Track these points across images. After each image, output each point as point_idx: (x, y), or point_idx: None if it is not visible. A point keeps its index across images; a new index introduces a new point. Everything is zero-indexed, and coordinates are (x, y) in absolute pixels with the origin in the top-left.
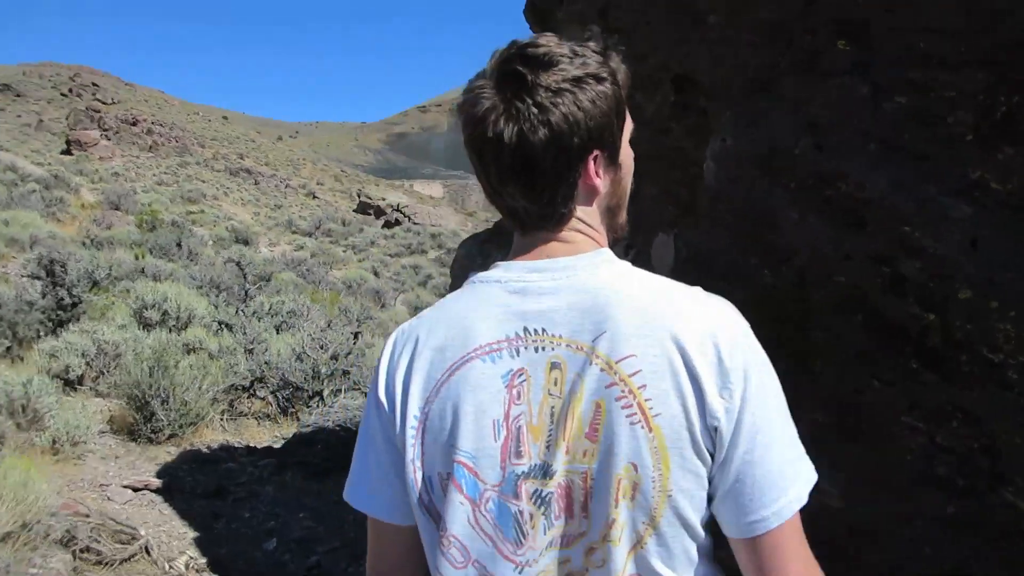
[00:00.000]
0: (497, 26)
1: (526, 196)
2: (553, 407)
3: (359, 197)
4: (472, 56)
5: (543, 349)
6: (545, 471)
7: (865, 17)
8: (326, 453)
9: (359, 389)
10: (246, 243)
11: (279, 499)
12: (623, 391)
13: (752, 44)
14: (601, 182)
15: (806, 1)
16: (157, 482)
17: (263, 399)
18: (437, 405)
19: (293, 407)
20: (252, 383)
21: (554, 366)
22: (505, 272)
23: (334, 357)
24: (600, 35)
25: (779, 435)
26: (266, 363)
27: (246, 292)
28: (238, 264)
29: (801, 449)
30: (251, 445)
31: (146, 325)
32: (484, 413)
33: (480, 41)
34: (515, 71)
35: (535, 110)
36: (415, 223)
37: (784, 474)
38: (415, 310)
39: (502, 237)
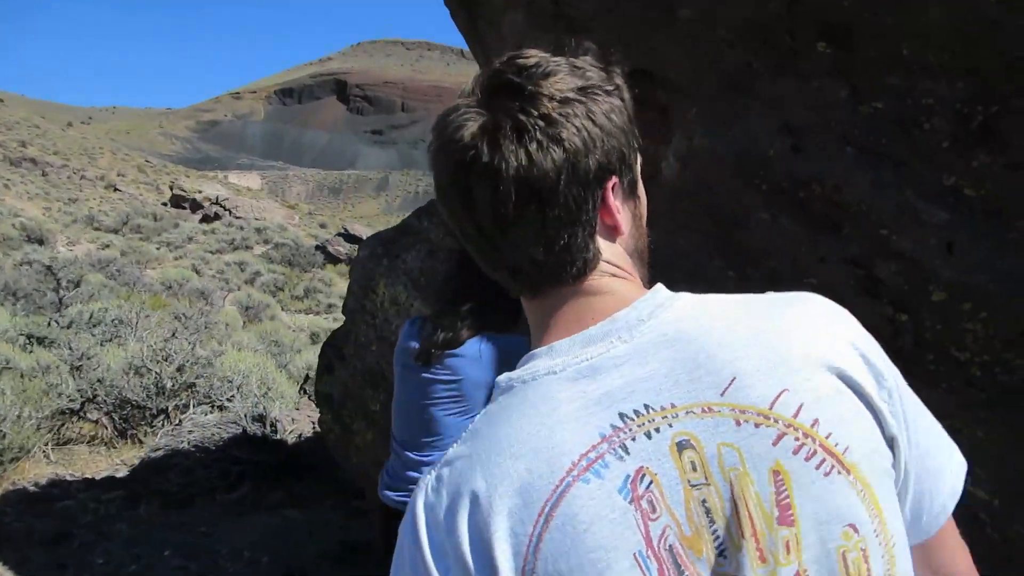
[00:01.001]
0: (319, 9)
1: (536, 241)
2: (705, 500)
3: (172, 189)
4: (293, 42)
5: (657, 432)
6: None
7: (849, 20)
8: (185, 478)
9: (211, 403)
10: (40, 242)
11: (137, 537)
12: (797, 439)
13: (727, 41)
14: (622, 218)
15: (790, 1)
16: None
17: (95, 422)
18: (542, 572)
19: (133, 428)
20: (83, 404)
21: (683, 446)
22: (551, 359)
23: (179, 369)
24: (597, 52)
25: (928, 415)
26: (98, 381)
27: (60, 300)
28: (49, 268)
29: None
30: (89, 477)
31: None
32: (617, 551)
33: (300, 26)
34: (509, 81)
35: (542, 123)
36: (237, 217)
37: (951, 454)
38: (246, 310)
39: (409, 237)
